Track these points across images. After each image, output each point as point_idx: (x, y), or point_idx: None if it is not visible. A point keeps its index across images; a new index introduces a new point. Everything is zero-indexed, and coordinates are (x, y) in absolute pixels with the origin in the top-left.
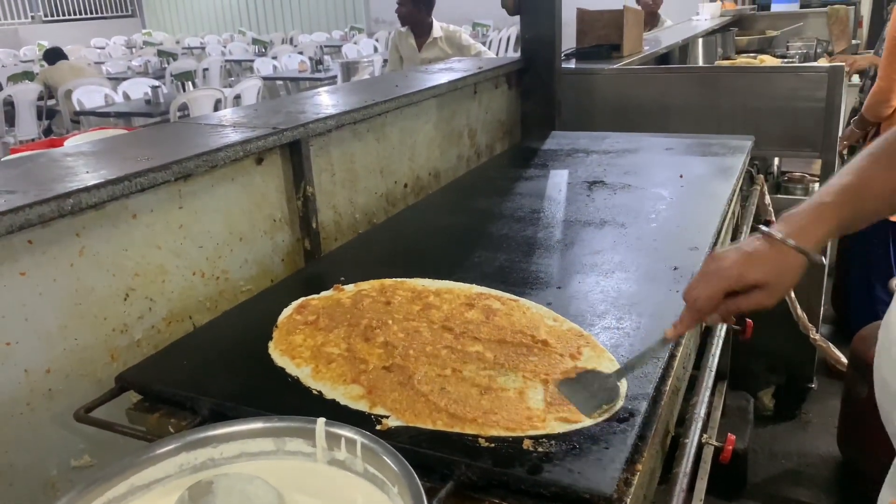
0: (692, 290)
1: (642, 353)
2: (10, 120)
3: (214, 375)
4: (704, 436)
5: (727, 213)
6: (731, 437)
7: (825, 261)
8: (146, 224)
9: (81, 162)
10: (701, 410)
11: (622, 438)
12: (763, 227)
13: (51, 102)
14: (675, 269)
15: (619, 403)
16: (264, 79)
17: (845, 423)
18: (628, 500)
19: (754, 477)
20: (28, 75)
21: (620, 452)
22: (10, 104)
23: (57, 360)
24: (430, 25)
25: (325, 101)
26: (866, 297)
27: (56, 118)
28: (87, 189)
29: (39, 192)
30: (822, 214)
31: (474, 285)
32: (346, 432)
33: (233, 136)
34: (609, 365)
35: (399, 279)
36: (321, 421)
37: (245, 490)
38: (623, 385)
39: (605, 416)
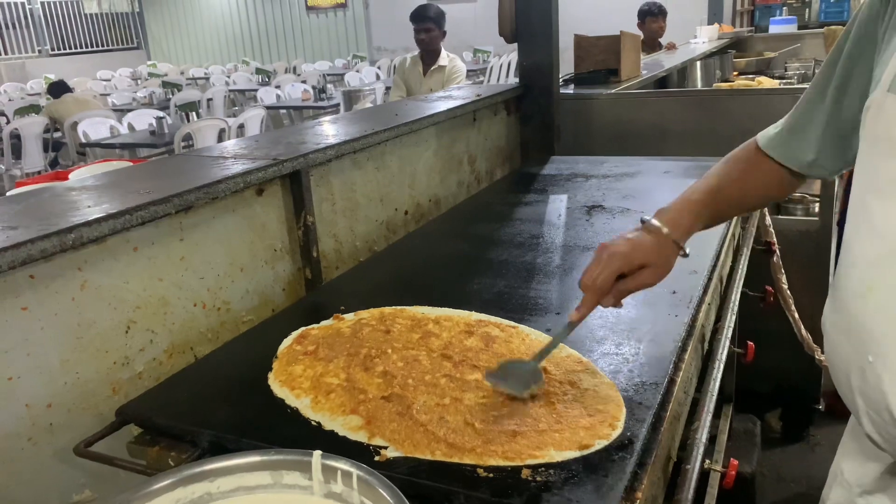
0: (589, 273)
1: (553, 339)
2: (17, 152)
3: (215, 407)
4: (707, 461)
5: (726, 235)
6: (734, 461)
7: (687, 251)
8: (147, 256)
9: (84, 196)
10: (703, 435)
11: (621, 466)
12: (644, 218)
13: (57, 135)
14: (674, 293)
15: (544, 384)
16: (268, 108)
17: None
18: None
19: (762, 501)
20: (34, 108)
21: (619, 480)
22: (16, 137)
23: (58, 394)
24: (439, 53)
25: (326, 131)
26: None
27: (62, 150)
28: (88, 223)
29: (41, 227)
30: (690, 210)
31: (473, 312)
32: (342, 465)
33: (234, 168)
34: (611, 393)
35: (399, 307)
36: (317, 454)
37: None
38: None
39: (536, 392)
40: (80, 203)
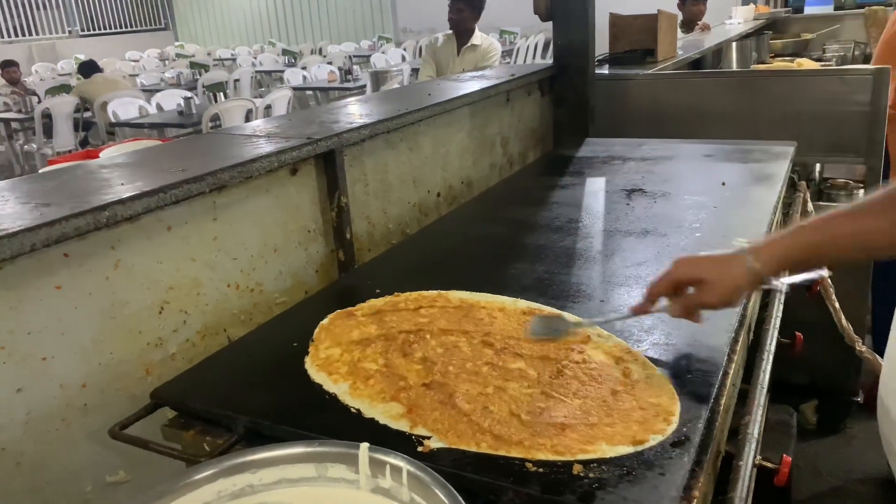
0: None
1: (609, 318)
2: (49, 132)
3: (250, 391)
4: (759, 457)
5: (773, 221)
6: (787, 458)
7: (780, 285)
8: (181, 236)
9: (117, 174)
10: (755, 430)
11: (678, 463)
12: (736, 240)
13: (87, 115)
14: None
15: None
16: (294, 89)
17: None
18: None
19: (798, 494)
20: (65, 88)
21: (677, 478)
22: (48, 116)
23: (92, 374)
24: (473, 31)
25: (358, 111)
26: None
27: (92, 130)
28: (122, 201)
29: (75, 204)
30: (787, 238)
31: (514, 298)
32: (391, 459)
33: (267, 147)
34: (663, 385)
35: (436, 291)
36: (364, 446)
37: None
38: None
39: (543, 340)
40: (113, 181)
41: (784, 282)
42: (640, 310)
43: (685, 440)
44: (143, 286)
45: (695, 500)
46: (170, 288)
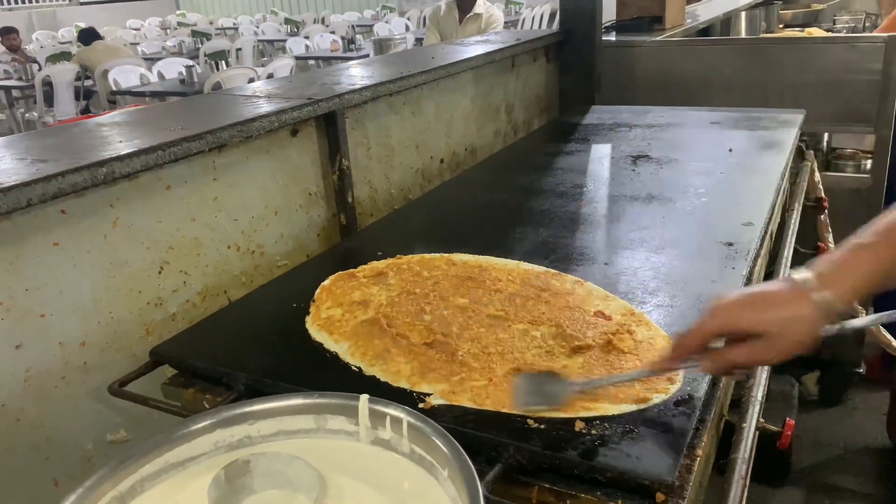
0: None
1: (608, 380)
2: (49, 100)
3: (250, 350)
4: (762, 420)
5: (780, 188)
6: (791, 421)
7: (860, 319)
8: (180, 196)
9: (115, 132)
10: (758, 393)
11: (682, 421)
12: (791, 271)
13: (88, 83)
14: (730, 245)
15: (549, 413)
16: (297, 58)
17: None
18: (688, 488)
19: (799, 464)
20: (65, 56)
21: (681, 437)
22: (48, 84)
23: (92, 333)
24: (475, 0)
25: (361, 73)
26: None
27: (93, 98)
28: (120, 158)
29: (72, 160)
30: (858, 257)
31: (518, 261)
32: (391, 410)
33: (267, 107)
34: (667, 346)
35: (439, 254)
36: (364, 397)
37: (284, 471)
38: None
39: (532, 414)
40: (112, 139)
41: (864, 320)
42: (661, 367)
43: (689, 398)
44: (143, 245)
45: (698, 459)
46: (170, 248)
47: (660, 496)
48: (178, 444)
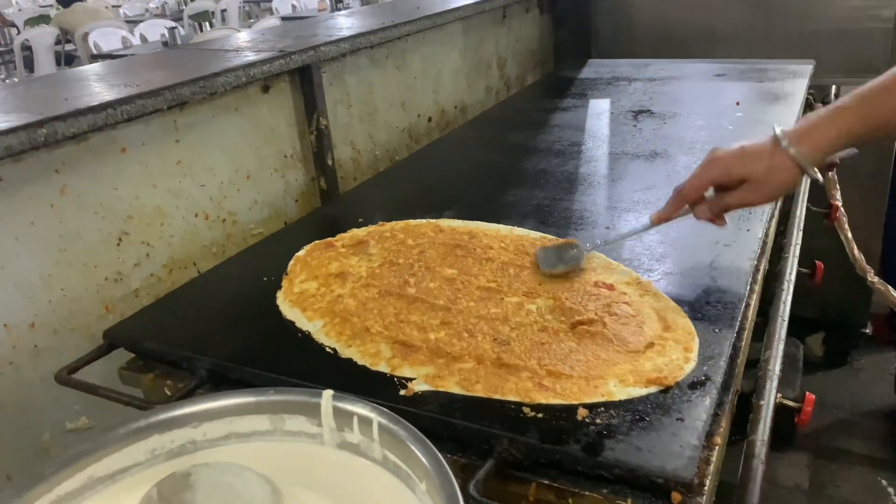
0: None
1: (618, 236)
2: (30, 65)
3: (216, 330)
4: (779, 395)
5: None
6: (811, 395)
7: (819, 177)
8: (138, 160)
9: (61, 89)
10: (775, 366)
11: (699, 407)
12: (774, 127)
13: (69, 47)
14: None
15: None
16: (283, 19)
17: None
18: (707, 483)
19: (804, 428)
20: (44, 19)
21: (697, 425)
22: (28, 49)
23: (42, 313)
24: None
25: (340, 24)
26: None
27: (74, 62)
28: (62, 117)
29: (5, 121)
30: (835, 118)
31: (511, 226)
32: (359, 409)
33: (234, 61)
34: (678, 319)
35: (426, 220)
36: (327, 394)
37: (233, 484)
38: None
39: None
40: (56, 96)
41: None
42: (663, 217)
43: (705, 380)
44: (97, 215)
45: (716, 448)
46: (129, 217)
47: (676, 496)
48: (107, 453)
